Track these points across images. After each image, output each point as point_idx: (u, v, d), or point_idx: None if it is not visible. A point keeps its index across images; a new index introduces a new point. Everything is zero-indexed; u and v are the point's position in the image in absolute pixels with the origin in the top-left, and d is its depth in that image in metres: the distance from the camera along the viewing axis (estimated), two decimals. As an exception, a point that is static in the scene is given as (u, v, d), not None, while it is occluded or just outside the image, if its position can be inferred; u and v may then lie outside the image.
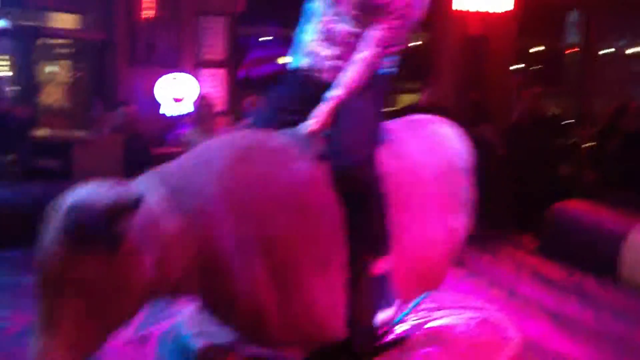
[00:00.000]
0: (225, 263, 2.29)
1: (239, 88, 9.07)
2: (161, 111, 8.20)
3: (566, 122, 9.36)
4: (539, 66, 9.98)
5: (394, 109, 6.72)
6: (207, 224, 2.29)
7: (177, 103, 8.28)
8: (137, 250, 2.14)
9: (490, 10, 8.52)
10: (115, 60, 8.28)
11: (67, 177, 6.02)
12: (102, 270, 2.07)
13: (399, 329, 3.11)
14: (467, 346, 3.20)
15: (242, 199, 2.35)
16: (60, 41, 8.37)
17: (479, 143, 6.78)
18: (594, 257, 4.78)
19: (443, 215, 3.01)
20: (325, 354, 2.60)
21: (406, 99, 8.35)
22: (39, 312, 2.06)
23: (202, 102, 6.93)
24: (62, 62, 8.59)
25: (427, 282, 3.02)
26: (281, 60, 10.22)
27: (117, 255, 2.08)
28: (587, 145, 7.98)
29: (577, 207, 5.31)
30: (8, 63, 7.97)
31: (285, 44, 10.61)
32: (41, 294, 2.06)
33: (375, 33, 2.66)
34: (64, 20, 8.03)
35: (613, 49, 10.08)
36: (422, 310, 3.44)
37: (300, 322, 2.42)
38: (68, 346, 2.00)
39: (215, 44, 8.81)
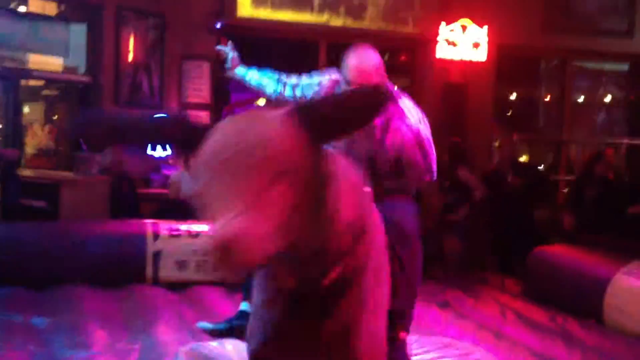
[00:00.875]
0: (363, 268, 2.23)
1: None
2: (147, 152, 8.23)
3: (543, 168, 9.59)
4: (516, 113, 10.20)
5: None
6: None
7: (162, 145, 8.32)
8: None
9: (471, 59, 8.76)
10: (100, 102, 8.33)
11: (54, 217, 6.01)
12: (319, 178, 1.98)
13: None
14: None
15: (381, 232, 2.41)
16: (45, 83, 8.41)
17: (457, 186, 7.00)
18: (578, 301, 4.88)
19: None
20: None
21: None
22: (231, 190, 1.81)
23: None
24: (48, 103, 8.61)
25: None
26: (261, 104, 10.37)
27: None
28: (564, 190, 8.17)
29: (559, 251, 5.43)
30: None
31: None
32: (245, 174, 1.81)
33: None
34: (50, 63, 8.07)
35: (588, 96, 10.35)
36: (414, 355, 3.48)
37: (373, 351, 2.36)
38: (269, 231, 1.79)
39: (199, 87, 8.90)
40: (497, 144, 8.99)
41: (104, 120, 2.26)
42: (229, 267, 1.75)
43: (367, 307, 2.25)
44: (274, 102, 3.30)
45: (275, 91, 3.36)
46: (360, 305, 2.21)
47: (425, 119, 3.13)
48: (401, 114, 3.01)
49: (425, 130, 3.06)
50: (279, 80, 3.38)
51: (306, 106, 2.03)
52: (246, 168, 1.81)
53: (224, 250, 1.71)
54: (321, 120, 1.93)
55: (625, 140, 9.74)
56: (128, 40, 8.46)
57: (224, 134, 1.90)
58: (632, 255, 4.85)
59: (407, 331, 3.14)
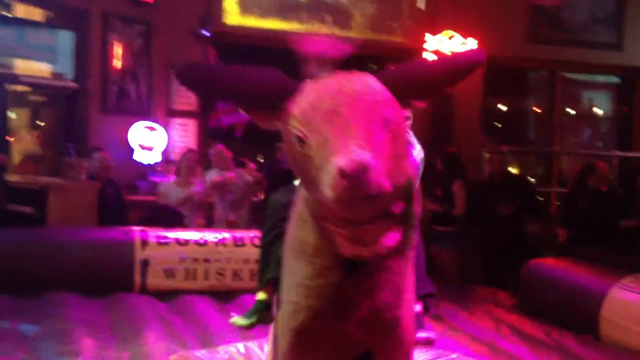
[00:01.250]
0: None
1: (208, 137, 9.10)
2: (134, 158, 8.15)
3: (533, 180, 9.59)
4: (505, 124, 10.22)
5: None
6: None
7: (148, 151, 8.24)
8: None
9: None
10: (87, 108, 8.24)
11: (41, 223, 5.91)
12: None
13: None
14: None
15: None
16: (32, 89, 8.31)
17: (450, 197, 6.95)
18: (573, 315, 4.84)
19: None
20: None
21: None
22: (349, 132, 1.86)
23: (186, 156, 6.84)
24: (34, 109, 8.51)
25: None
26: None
27: None
28: (557, 203, 8.16)
29: (553, 265, 5.39)
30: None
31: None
32: (358, 118, 1.90)
33: None
34: (37, 69, 7.99)
35: (577, 108, 10.39)
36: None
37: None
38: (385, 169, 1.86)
39: (186, 95, 8.83)
40: (486, 155, 8.98)
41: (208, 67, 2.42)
42: (358, 198, 1.78)
43: (410, 283, 2.28)
44: None
45: None
46: (406, 279, 2.22)
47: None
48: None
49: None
50: None
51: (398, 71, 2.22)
52: (359, 112, 1.90)
53: (355, 179, 1.75)
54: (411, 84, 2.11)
55: (617, 153, 9.78)
56: (115, 46, 8.39)
57: (327, 87, 1.99)
58: (626, 269, 4.82)
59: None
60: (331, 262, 2.10)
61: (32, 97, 8.40)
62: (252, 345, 3.98)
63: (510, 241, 6.77)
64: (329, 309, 2.15)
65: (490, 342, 4.65)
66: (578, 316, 4.78)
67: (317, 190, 1.92)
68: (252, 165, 6.89)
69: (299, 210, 2.23)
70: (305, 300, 2.17)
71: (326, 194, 1.84)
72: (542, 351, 4.47)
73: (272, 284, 2.75)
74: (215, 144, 7.47)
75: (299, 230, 2.21)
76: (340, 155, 1.80)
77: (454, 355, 4.08)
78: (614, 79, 10.35)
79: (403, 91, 2.05)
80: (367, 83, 2.00)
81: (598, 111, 10.52)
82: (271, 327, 2.84)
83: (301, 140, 1.94)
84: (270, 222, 2.89)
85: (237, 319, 2.87)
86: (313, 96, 1.98)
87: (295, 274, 2.21)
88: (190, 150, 7.17)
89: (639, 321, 4.30)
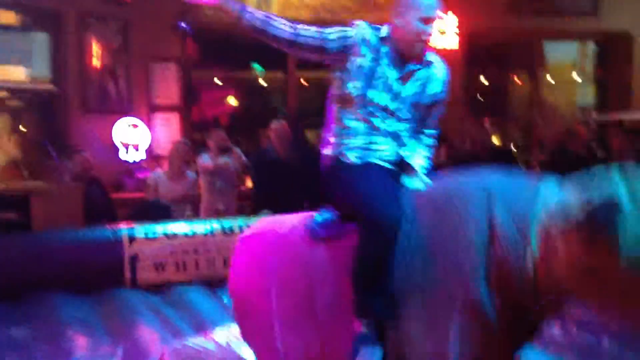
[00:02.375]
0: None
1: (192, 130, 9.10)
2: (119, 157, 8.16)
3: (515, 149, 9.64)
4: (487, 97, 10.26)
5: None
6: None
7: (133, 148, 8.24)
8: None
9: (438, 46, 8.78)
10: (67, 110, 8.23)
11: (26, 229, 5.89)
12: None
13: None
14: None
15: None
16: (10, 93, 8.28)
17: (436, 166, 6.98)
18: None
19: None
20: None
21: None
22: None
23: (176, 148, 6.81)
24: (13, 113, 8.48)
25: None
26: (231, 101, 10.34)
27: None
28: (538, 170, 8.19)
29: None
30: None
31: (235, 86, 10.63)
32: None
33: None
34: (13, 73, 7.95)
35: (557, 76, 10.44)
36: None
37: None
38: None
39: (168, 89, 8.84)
40: (469, 130, 9.02)
41: None
42: None
43: None
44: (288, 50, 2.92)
45: (292, 36, 2.86)
46: None
47: None
48: None
49: None
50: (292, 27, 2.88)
51: None
52: None
53: None
54: None
55: (595, 117, 9.84)
56: (92, 46, 8.37)
57: None
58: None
59: None
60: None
61: (11, 102, 8.37)
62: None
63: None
64: None
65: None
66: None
67: None
68: (237, 151, 6.85)
69: None
70: None
71: None
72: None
73: None
74: (215, 129, 7.39)
75: None
76: None
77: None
78: (591, 45, 10.41)
79: None
80: None
81: (577, 77, 10.58)
82: None
83: None
84: None
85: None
86: None
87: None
88: (181, 141, 7.11)
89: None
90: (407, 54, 2.83)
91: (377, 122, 2.83)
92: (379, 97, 2.81)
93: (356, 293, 2.67)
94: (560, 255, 2.20)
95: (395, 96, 2.83)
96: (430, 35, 2.80)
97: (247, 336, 3.04)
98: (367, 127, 2.83)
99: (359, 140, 2.84)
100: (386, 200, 2.67)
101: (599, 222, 2.09)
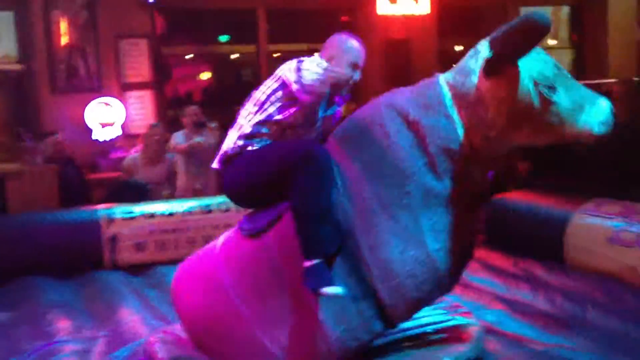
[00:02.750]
0: None
1: (166, 107, 9.00)
2: (93, 137, 8.04)
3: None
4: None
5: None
6: None
7: (107, 127, 8.14)
8: None
9: (412, 14, 8.74)
10: (36, 89, 8.08)
11: (1, 211, 5.82)
12: None
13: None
14: (434, 331, 3.28)
15: None
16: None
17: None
18: (539, 244, 4.93)
19: None
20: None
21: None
22: None
23: (150, 134, 6.67)
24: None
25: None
26: (203, 77, 10.24)
27: None
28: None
29: (516, 198, 5.47)
30: None
31: (207, 60, 10.49)
32: None
33: None
34: (-21, 52, 7.80)
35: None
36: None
37: None
38: None
39: (139, 66, 8.71)
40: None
41: None
42: None
43: None
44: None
45: None
46: None
47: None
48: None
49: None
50: None
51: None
52: None
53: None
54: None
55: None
56: (58, 23, 8.22)
57: None
58: (587, 195, 4.90)
59: None
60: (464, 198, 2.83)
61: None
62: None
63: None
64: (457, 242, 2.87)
65: (462, 280, 4.72)
66: (543, 244, 4.88)
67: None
68: (212, 127, 6.76)
69: None
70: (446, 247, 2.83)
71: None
72: (510, 281, 4.58)
73: None
74: (189, 105, 7.27)
75: None
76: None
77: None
78: (565, 9, 10.42)
79: None
80: None
81: (552, 42, 10.60)
82: None
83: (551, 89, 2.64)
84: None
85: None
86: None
87: (440, 219, 2.83)
88: (154, 125, 6.96)
89: (601, 243, 4.40)
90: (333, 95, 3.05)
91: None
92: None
93: (304, 233, 2.77)
94: (479, 105, 2.70)
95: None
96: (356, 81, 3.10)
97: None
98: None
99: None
100: (292, 143, 2.96)
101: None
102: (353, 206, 2.81)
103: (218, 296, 3.01)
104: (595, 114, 2.64)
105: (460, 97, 2.75)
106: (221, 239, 3.25)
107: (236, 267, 3.02)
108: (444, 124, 2.74)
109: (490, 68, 2.68)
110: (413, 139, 2.77)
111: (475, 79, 2.72)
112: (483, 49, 2.74)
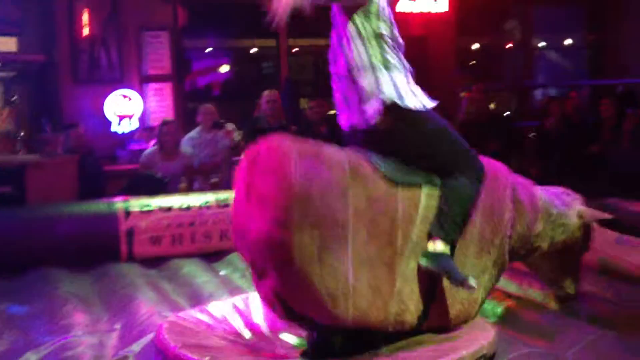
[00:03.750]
0: None
1: (185, 100, 9.07)
2: (112, 129, 8.13)
3: (508, 115, 9.64)
4: (479, 63, 10.22)
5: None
6: None
7: (126, 119, 8.22)
8: None
9: (430, 11, 8.73)
10: (58, 80, 8.17)
11: (21, 202, 5.91)
12: None
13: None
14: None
15: None
16: (0, 64, 8.22)
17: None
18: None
19: None
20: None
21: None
22: None
23: (164, 129, 6.72)
24: (4, 85, 8.43)
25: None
26: (223, 70, 10.29)
27: None
28: (530, 135, 8.23)
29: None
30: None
31: (227, 54, 10.53)
32: None
33: None
34: (3, 43, 7.88)
35: (549, 41, 10.40)
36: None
37: None
38: None
39: (159, 59, 8.78)
40: (462, 94, 9.01)
41: None
42: None
43: None
44: None
45: None
46: None
47: None
48: None
49: None
50: None
51: None
52: None
53: None
54: None
55: (587, 82, 9.83)
56: (82, 15, 8.30)
57: None
58: (589, 196, 4.89)
59: None
60: None
61: (1, 74, 8.33)
62: (241, 300, 4.00)
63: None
64: None
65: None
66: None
67: None
68: (230, 127, 6.83)
69: None
70: None
71: None
72: (522, 279, 4.59)
73: None
74: (204, 104, 7.35)
75: None
76: None
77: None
78: (580, 11, 10.35)
79: None
80: None
81: (569, 42, 10.54)
82: None
83: None
84: None
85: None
86: None
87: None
88: (165, 123, 6.99)
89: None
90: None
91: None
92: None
93: (445, 224, 2.96)
94: None
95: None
96: None
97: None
98: (404, 67, 3.07)
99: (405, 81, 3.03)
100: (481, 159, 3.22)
101: None
102: None
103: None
104: None
105: None
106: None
107: None
108: None
109: None
110: None
111: None
112: None
